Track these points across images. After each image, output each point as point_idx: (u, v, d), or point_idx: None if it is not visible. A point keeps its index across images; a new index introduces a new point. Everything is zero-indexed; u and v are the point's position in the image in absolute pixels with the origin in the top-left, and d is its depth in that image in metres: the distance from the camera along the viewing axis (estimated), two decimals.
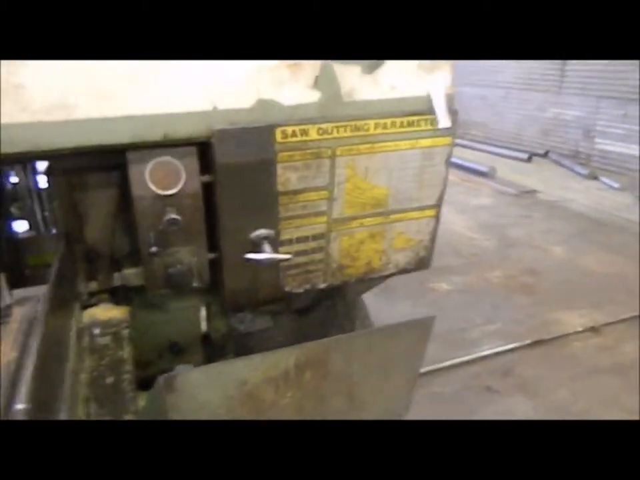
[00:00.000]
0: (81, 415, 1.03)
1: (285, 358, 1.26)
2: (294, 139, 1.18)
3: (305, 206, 1.27)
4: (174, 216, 1.11)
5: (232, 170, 1.15)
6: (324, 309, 1.83)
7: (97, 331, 1.24)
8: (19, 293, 1.13)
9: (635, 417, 2.27)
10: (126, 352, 1.18)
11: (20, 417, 0.70)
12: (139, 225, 1.15)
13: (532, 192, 6.12)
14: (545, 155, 7.73)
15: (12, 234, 1.84)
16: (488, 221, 5.16)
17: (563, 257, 4.22)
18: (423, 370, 2.67)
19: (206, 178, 1.17)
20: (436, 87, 1.27)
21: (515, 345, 2.91)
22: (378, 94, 1.23)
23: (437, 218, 1.46)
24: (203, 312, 1.56)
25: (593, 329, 3.08)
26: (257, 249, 1.25)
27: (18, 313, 1.06)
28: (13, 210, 1.84)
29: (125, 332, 1.24)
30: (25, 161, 1.61)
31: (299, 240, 1.32)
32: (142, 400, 1.27)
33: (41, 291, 1.07)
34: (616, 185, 6.22)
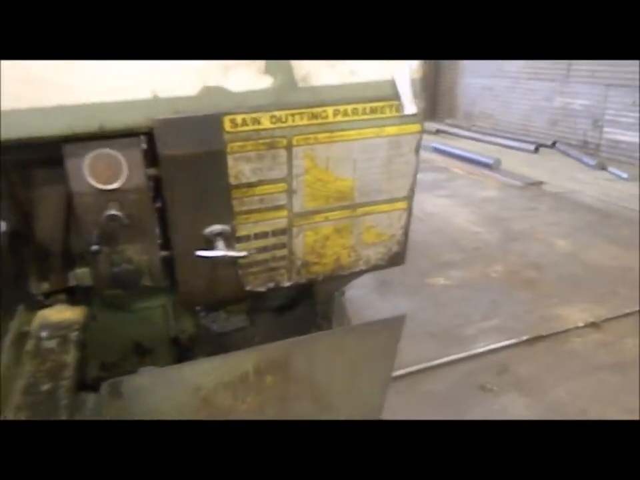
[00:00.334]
0: None
1: (241, 361, 1.19)
2: (245, 128, 1.10)
3: (261, 200, 1.19)
4: (114, 212, 1.04)
5: (178, 162, 1.08)
6: (304, 307, 1.76)
7: (44, 333, 1.18)
8: None
9: (634, 417, 2.17)
10: (71, 356, 1.12)
11: None
12: (80, 222, 1.09)
13: (538, 184, 5.98)
14: (553, 145, 7.56)
15: None
16: (492, 213, 5.04)
17: (567, 250, 4.10)
18: (413, 368, 2.60)
19: (152, 171, 1.10)
20: (400, 71, 1.18)
21: (512, 341, 2.81)
22: (337, 79, 1.15)
23: (409, 211, 1.38)
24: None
25: (594, 325, 2.97)
26: (211, 245, 1.18)
27: None
28: None
29: (74, 335, 1.18)
30: None
31: (258, 236, 1.24)
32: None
33: None
34: (624, 175, 6.05)
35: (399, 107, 1.21)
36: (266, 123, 1.11)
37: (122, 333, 1.46)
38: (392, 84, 1.19)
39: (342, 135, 1.19)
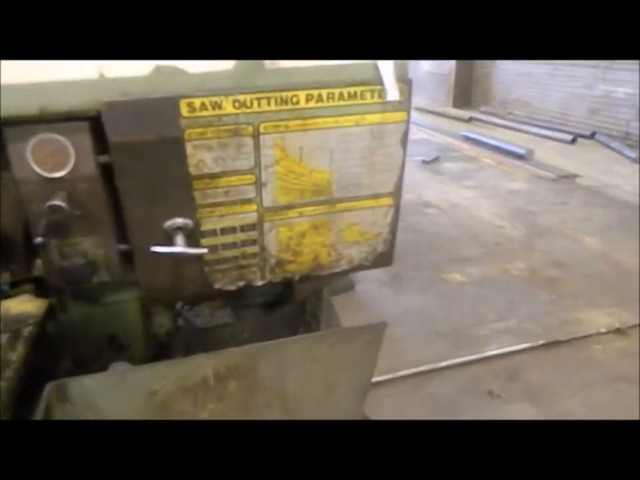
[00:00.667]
0: None
1: (201, 366, 1.10)
2: (204, 113, 1.00)
3: (227, 192, 1.09)
4: (56, 202, 0.96)
5: (129, 149, 0.99)
6: (294, 305, 1.67)
7: None
8: None
9: None
10: (17, 354, 1.05)
11: None
12: (27, 211, 1.01)
13: (572, 176, 5.67)
14: (592, 136, 7.16)
15: None
16: (519, 207, 4.80)
17: (596, 249, 3.86)
18: (418, 369, 2.47)
19: (104, 159, 1.01)
20: None
21: (526, 345, 2.65)
22: (309, 60, 1.03)
23: (395, 208, 1.25)
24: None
25: (618, 331, 2.76)
26: (171, 240, 1.09)
27: None
28: None
29: (27, 330, 1.12)
30: None
31: (225, 231, 1.15)
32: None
33: None
34: None
35: (382, 93, 1.08)
36: (228, 107, 1.01)
37: (95, 326, 1.40)
38: (373, 66, 1.07)
39: (316, 123, 1.08)
